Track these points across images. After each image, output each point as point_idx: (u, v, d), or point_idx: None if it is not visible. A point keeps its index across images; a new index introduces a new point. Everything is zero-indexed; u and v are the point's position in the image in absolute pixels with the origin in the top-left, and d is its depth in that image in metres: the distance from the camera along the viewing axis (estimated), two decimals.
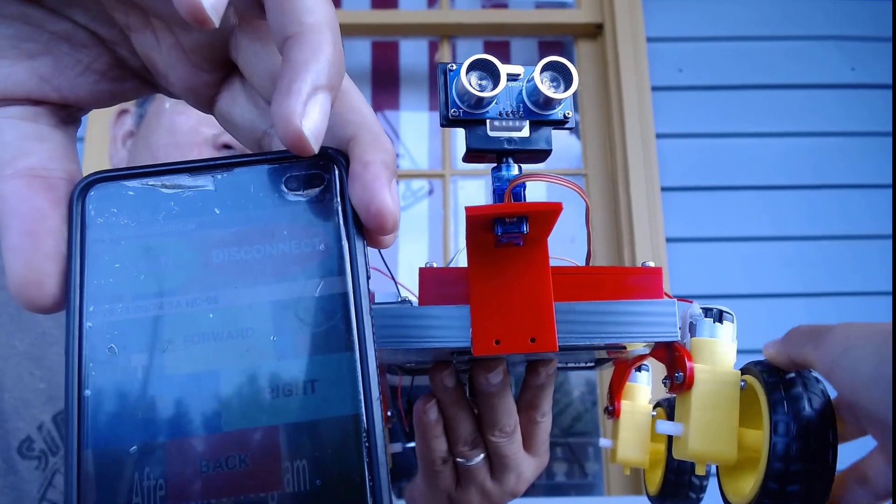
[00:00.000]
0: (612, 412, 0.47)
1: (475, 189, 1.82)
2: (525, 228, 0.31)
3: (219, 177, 0.24)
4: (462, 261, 0.35)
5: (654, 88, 1.71)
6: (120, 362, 0.22)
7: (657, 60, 1.73)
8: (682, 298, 0.36)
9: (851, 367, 0.29)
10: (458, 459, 0.46)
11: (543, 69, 0.34)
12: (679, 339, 0.35)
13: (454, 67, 0.34)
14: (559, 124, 0.35)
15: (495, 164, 0.36)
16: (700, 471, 0.36)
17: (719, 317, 0.36)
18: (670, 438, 0.42)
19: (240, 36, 0.25)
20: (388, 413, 0.46)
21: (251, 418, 0.21)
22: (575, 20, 1.82)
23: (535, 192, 1.62)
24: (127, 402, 0.21)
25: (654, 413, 0.46)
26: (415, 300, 0.36)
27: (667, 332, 0.34)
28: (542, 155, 0.35)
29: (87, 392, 0.21)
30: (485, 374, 0.41)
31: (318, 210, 0.23)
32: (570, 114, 0.35)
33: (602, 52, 1.80)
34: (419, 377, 0.48)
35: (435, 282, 0.34)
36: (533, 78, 0.34)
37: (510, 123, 0.35)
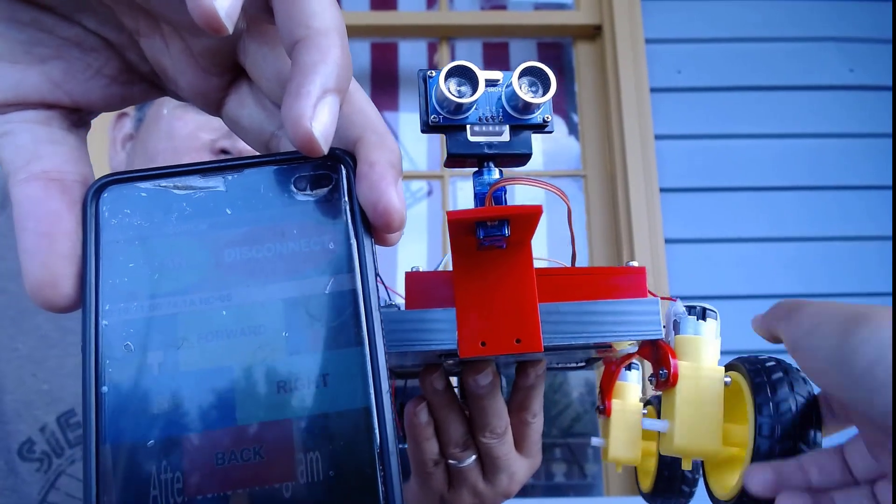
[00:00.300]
0: (603, 411, 0.47)
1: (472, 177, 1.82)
2: (506, 231, 0.32)
3: (229, 178, 0.24)
4: (450, 265, 0.36)
5: (653, 90, 1.71)
6: (136, 359, 0.22)
7: (656, 62, 1.73)
8: (665, 297, 0.37)
9: (812, 347, 0.28)
10: (450, 461, 0.46)
11: (521, 74, 0.34)
12: (663, 336, 0.35)
13: (433, 74, 0.35)
14: (539, 128, 0.35)
15: (477, 169, 0.36)
16: (686, 466, 0.37)
17: (703, 314, 0.36)
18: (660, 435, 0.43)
19: (248, 40, 0.25)
20: None
21: (265, 412, 0.22)
22: (574, 21, 1.82)
23: (531, 196, 1.63)
24: (143, 398, 0.22)
25: (645, 411, 0.47)
26: (402, 303, 0.37)
27: (650, 330, 0.34)
28: (522, 159, 0.36)
29: (104, 388, 0.22)
30: (474, 376, 0.41)
31: (326, 209, 0.24)
32: (550, 118, 0.35)
33: (601, 54, 1.80)
34: (412, 380, 0.48)
35: (421, 286, 0.35)
36: (511, 83, 0.34)
37: (490, 128, 0.35)
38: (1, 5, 0.24)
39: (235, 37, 0.25)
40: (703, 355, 0.35)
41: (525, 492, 1.93)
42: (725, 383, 0.35)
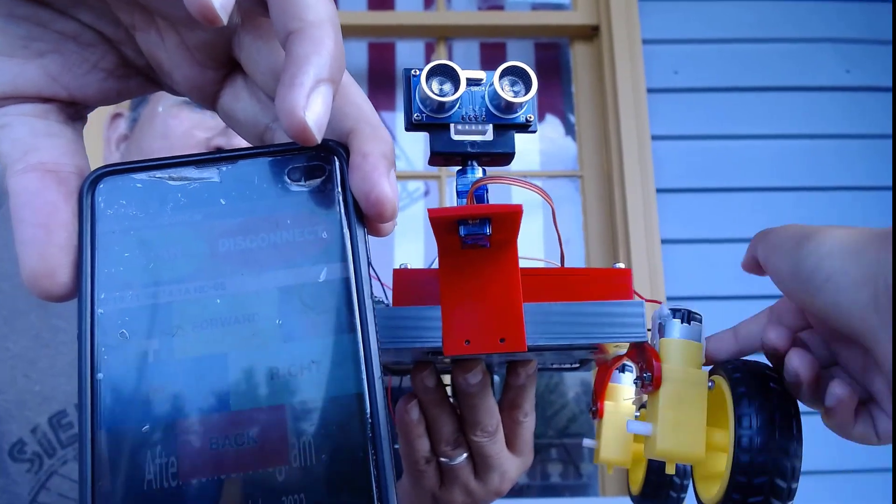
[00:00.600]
0: (596, 413, 0.47)
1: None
2: (488, 230, 0.32)
3: (224, 169, 0.25)
4: None
5: (650, 90, 1.71)
6: (131, 347, 0.23)
7: (653, 62, 1.73)
8: (651, 300, 0.37)
9: (776, 262, 0.33)
10: (442, 459, 0.46)
11: (503, 74, 0.35)
12: (647, 339, 0.35)
13: (417, 73, 0.35)
14: (522, 128, 0.36)
15: (460, 168, 0.36)
16: (670, 470, 0.37)
17: (687, 317, 0.36)
18: None
19: (243, 34, 0.26)
20: None
21: (258, 398, 0.22)
22: (571, 22, 1.82)
23: (527, 197, 1.63)
24: (138, 385, 0.22)
25: (638, 413, 0.47)
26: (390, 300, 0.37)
27: (635, 332, 0.34)
28: (505, 158, 0.36)
29: (100, 375, 0.22)
30: (464, 375, 0.41)
31: (319, 199, 0.24)
32: (532, 117, 0.36)
33: (598, 54, 1.80)
34: (405, 377, 0.48)
35: (408, 283, 0.35)
36: (493, 83, 0.34)
37: (473, 127, 0.35)
38: None
39: (230, 31, 0.26)
40: (687, 358, 0.35)
41: (521, 492, 1.93)
42: (709, 387, 0.35)
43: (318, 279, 0.23)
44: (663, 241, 1.62)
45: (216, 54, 0.26)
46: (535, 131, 0.36)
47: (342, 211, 0.24)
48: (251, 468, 0.22)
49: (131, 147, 0.78)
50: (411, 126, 0.35)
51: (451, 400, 0.45)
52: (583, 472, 1.89)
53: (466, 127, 0.35)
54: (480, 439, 0.45)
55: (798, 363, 0.33)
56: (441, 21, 1.85)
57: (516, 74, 0.35)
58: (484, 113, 0.35)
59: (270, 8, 0.23)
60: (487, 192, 0.35)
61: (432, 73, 0.34)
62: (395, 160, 0.25)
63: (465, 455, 0.46)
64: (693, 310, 0.36)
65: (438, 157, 0.36)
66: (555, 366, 0.48)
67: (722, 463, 0.35)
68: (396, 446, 0.49)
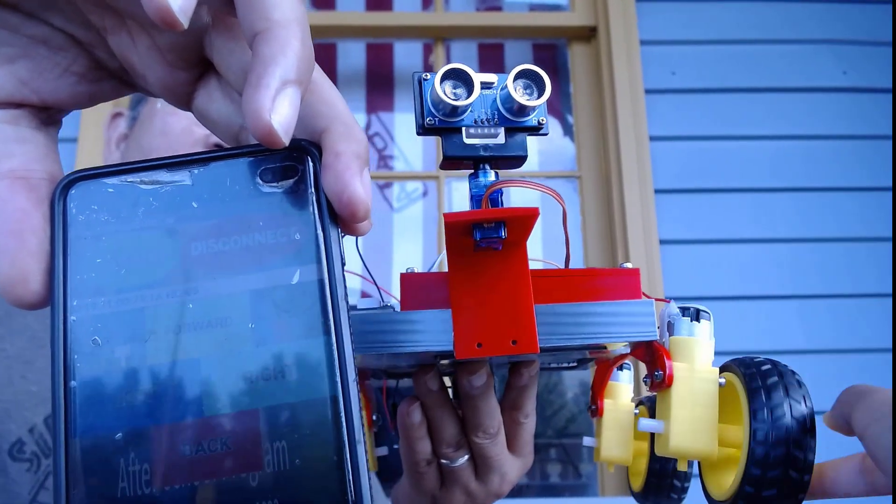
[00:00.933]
0: (595, 411, 0.47)
1: (468, 179, 1.82)
2: (503, 233, 0.32)
3: (195, 171, 0.24)
4: (444, 266, 0.36)
5: (648, 91, 1.72)
6: (104, 354, 0.22)
7: (650, 63, 1.74)
8: (659, 299, 0.37)
9: (875, 436, 0.30)
10: (443, 461, 0.46)
11: (517, 77, 0.35)
12: (657, 338, 0.35)
13: (428, 77, 0.35)
14: (534, 130, 0.36)
15: (472, 171, 0.36)
16: (682, 467, 0.37)
17: (696, 315, 0.36)
18: (653, 436, 0.43)
19: (214, 34, 0.25)
20: (374, 417, 0.47)
21: (232, 403, 0.22)
22: (569, 23, 1.83)
23: (526, 198, 1.63)
24: (111, 392, 0.22)
25: (637, 411, 0.47)
26: (397, 304, 0.37)
27: (645, 331, 0.35)
28: (517, 161, 0.36)
29: (73, 383, 0.22)
30: (468, 377, 0.41)
31: (292, 201, 0.24)
32: (545, 120, 0.36)
33: (596, 55, 1.80)
34: (405, 379, 0.48)
35: (416, 287, 0.35)
36: (506, 86, 0.34)
37: (486, 130, 0.35)
38: None
39: (201, 31, 0.26)
40: (698, 356, 0.35)
41: (520, 492, 1.93)
42: (720, 384, 0.35)
43: (291, 281, 0.23)
44: (661, 242, 1.63)
45: (188, 55, 0.26)
46: (546, 133, 0.36)
47: (315, 211, 0.24)
48: (225, 474, 0.21)
49: (131, 145, 0.78)
50: (423, 130, 0.35)
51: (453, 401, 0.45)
52: (582, 471, 1.90)
53: (479, 130, 0.35)
54: (482, 441, 0.45)
55: None
56: (439, 22, 1.85)
57: (530, 77, 0.35)
58: (496, 116, 0.35)
59: (237, 8, 0.23)
60: (502, 195, 0.35)
61: (446, 77, 0.34)
62: (369, 159, 0.25)
63: (466, 457, 0.46)
64: (701, 307, 0.36)
65: (451, 161, 0.36)
66: (553, 365, 0.48)
67: (732, 458, 0.35)
68: (396, 447, 0.49)
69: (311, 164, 0.24)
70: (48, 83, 0.25)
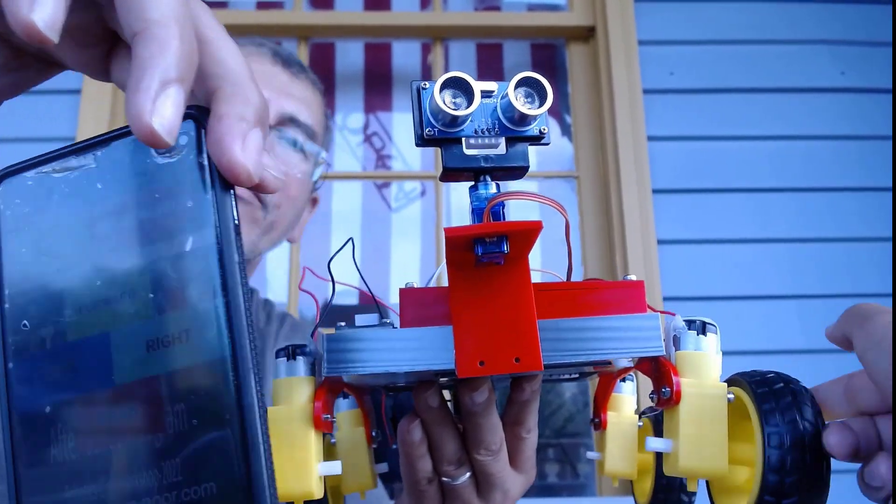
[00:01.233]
0: (599, 424, 0.46)
1: (468, 191, 1.81)
2: (505, 248, 0.31)
3: (99, 153, 0.25)
4: (443, 279, 0.35)
5: (646, 91, 1.71)
6: (32, 336, 0.25)
7: (649, 63, 1.73)
8: (665, 311, 0.36)
9: (875, 361, 0.31)
10: (444, 479, 0.45)
11: (517, 85, 0.34)
12: (664, 352, 0.34)
13: (427, 86, 0.34)
14: (535, 140, 0.35)
15: (473, 183, 0.35)
16: (692, 487, 0.36)
17: (703, 329, 0.35)
18: (659, 452, 0.42)
19: (111, 10, 0.25)
20: (373, 433, 0.46)
21: (138, 371, 0.24)
22: (567, 23, 1.82)
23: (524, 206, 1.62)
24: (39, 370, 0.25)
25: (641, 423, 0.46)
26: (397, 318, 0.36)
27: (651, 346, 0.33)
28: (519, 171, 0.35)
29: (10, 365, 0.25)
30: (470, 393, 0.40)
31: (185, 169, 0.24)
32: (546, 129, 0.35)
33: (594, 55, 1.80)
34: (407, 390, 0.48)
35: (416, 302, 0.34)
36: (507, 94, 0.33)
37: (486, 141, 0.34)
38: None
39: (99, 9, 0.26)
40: (706, 371, 0.34)
41: None
42: (728, 400, 0.34)
43: (186, 248, 0.24)
44: (659, 242, 1.63)
45: (94, 32, 0.26)
46: (548, 143, 0.35)
47: (207, 178, 0.24)
48: (134, 437, 0.23)
49: None
50: (422, 141, 0.34)
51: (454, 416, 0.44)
52: (580, 472, 1.90)
53: (479, 140, 0.34)
54: (484, 458, 0.44)
55: (833, 441, 0.31)
56: (437, 22, 1.85)
57: (531, 85, 0.34)
58: (496, 125, 0.34)
59: (116, 7, 0.23)
60: (504, 207, 0.34)
61: (445, 86, 0.33)
62: (263, 119, 0.24)
63: (468, 474, 0.45)
64: (707, 320, 0.35)
65: (451, 172, 0.35)
66: (554, 377, 0.47)
67: (742, 476, 0.34)
68: (394, 446, 0.48)
69: (196, 129, 0.25)
70: None
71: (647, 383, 0.37)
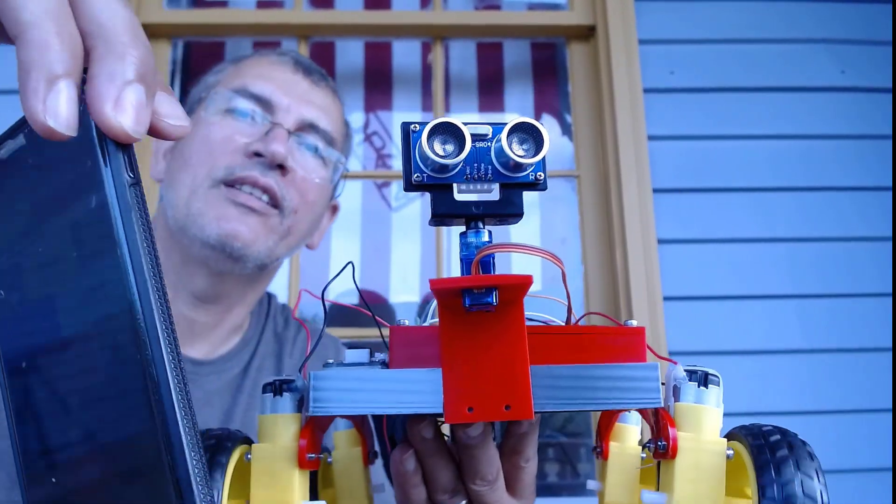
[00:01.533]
0: (601, 453, 0.45)
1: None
2: (494, 300, 0.30)
3: (27, 131, 0.27)
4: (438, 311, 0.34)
5: (646, 90, 1.71)
6: (4, 303, 0.27)
7: (649, 63, 1.73)
8: (666, 358, 0.35)
9: None
10: None
11: (511, 131, 0.32)
12: (662, 404, 0.33)
13: (417, 128, 0.33)
14: (531, 186, 0.34)
15: (463, 230, 0.34)
16: None
17: (704, 380, 0.34)
18: (659, 481, 0.42)
19: None
20: (375, 449, 0.46)
21: (70, 325, 0.26)
22: (567, 22, 1.81)
23: (527, 198, 1.62)
24: (14, 330, 0.27)
25: (644, 455, 0.46)
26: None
27: (649, 398, 0.32)
28: (513, 219, 0.34)
29: None
30: (464, 428, 0.39)
31: (82, 133, 0.25)
32: (542, 175, 0.34)
33: (594, 54, 1.79)
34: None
35: (406, 342, 0.34)
36: (501, 140, 0.32)
37: (479, 186, 0.33)
38: None
39: None
40: (705, 426, 0.33)
41: None
42: (728, 456, 0.33)
43: (91, 206, 0.25)
44: (659, 241, 1.62)
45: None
46: (545, 189, 0.34)
47: (95, 138, 0.25)
48: (69, 381, 0.26)
49: (175, 155, 0.78)
50: (411, 186, 0.33)
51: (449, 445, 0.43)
52: (580, 471, 1.90)
53: (471, 186, 0.33)
54: (480, 488, 0.43)
55: None
56: (437, 21, 1.84)
57: (526, 131, 0.33)
58: (490, 171, 0.33)
59: None
60: (494, 258, 0.34)
61: (434, 132, 0.32)
62: (144, 72, 0.25)
63: (463, 502, 0.44)
64: (710, 370, 0.34)
65: (440, 218, 0.34)
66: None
67: None
68: (379, 451, 0.48)
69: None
70: None
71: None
